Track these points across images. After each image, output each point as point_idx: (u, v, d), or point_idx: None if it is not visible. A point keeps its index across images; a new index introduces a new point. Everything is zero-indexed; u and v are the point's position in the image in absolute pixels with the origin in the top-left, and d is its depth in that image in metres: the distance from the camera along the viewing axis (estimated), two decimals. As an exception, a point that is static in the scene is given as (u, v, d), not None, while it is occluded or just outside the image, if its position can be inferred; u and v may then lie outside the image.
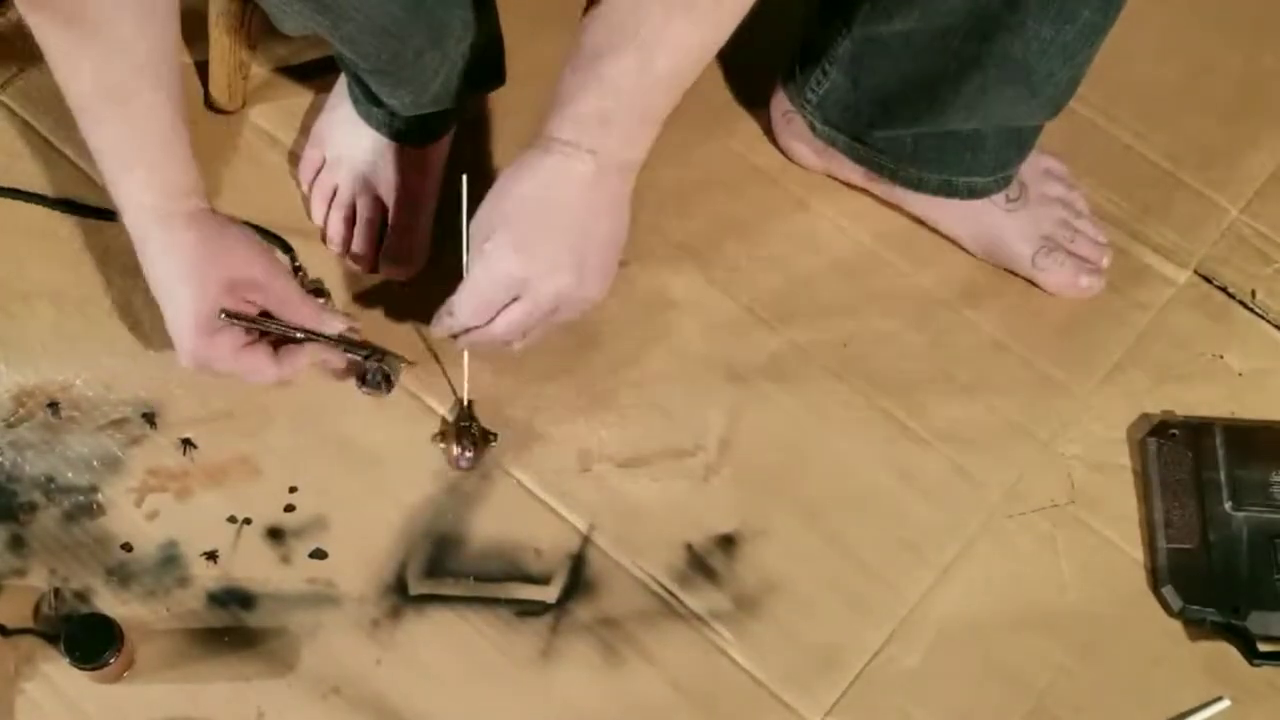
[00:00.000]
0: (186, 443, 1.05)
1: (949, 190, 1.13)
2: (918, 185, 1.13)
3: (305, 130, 1.18)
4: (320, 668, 0.98)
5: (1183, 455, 1.08)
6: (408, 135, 1.11)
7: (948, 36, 1.00)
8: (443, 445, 1.05)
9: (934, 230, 1.17)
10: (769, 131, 1.21)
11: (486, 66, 1.11)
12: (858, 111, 1.10)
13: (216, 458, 1.05)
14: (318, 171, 1.15)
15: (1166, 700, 1.00)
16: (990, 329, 1.14)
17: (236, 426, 1.06)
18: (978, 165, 1.10)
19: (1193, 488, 1.06)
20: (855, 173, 1.17)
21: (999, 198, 1.14)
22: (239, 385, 1.06)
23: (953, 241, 1.17)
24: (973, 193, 1.12)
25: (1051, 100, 1.04)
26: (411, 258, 1.12)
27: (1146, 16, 1.27)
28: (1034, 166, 1.16)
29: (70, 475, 1.04)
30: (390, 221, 1.12)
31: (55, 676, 0.97)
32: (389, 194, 1.12)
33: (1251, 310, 1.17)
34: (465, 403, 1.06)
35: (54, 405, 1.06)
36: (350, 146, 1.13)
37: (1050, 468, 1.08)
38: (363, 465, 1.05)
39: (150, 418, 1.06)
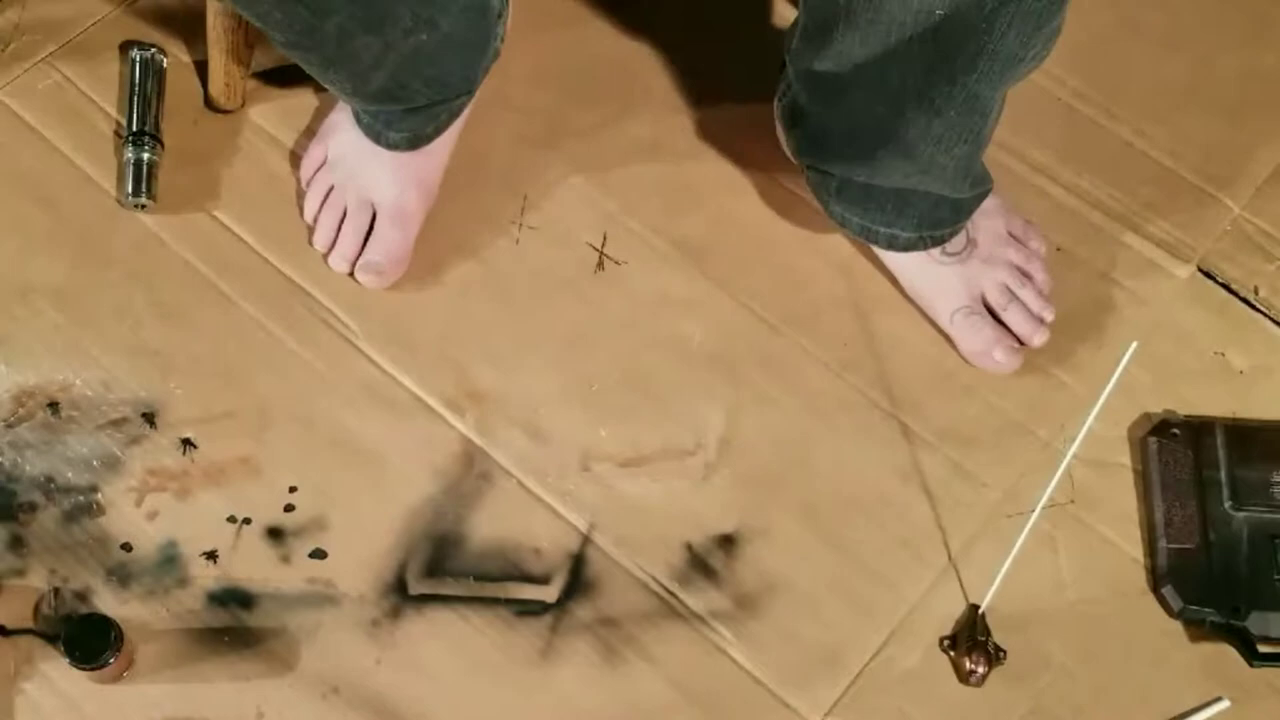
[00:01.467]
0: (186, 443, 1.05)
1: (869, 236, 1.10)
2: (842, 223, 1.11)
3: (307, 131, 1.18)
4: (320, 667, 0.98)
5: (1183, 454, 1.07)
6: (388, 139, 1.10)
7: (881, 88, 0.97)
8: (952, 654, 1.01)
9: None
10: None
11: (453, 71, 1.08)
12: (801, 137, 1.10)
13: (216, 458, 1.05)
14: (318, 168, 1.15)
15: (1166, 701, 1.00)
16: (991, 327, 1.14)
17: (236, 426, 1.06)
18: (901, 221, 1.07)
19: (1193, 487, 1.06)
20: None
21: (934, 250, 1.10)
22: (238, 384, 1.07)
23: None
24: (893, 245, 1.09)
25: (950, 184, 1.03)
26: (386, 268, 1.11)
27: (1147, 14, 1.27)
28: (996, 226, 1.13)
29: (70, 475, 1.04)
30: (374, 229, 1.12)
31: (55, 676, 0.97)
32: (381, 201, 1.12)
33: (1254, 307, 1.17)
34: (980, 613, 1.02)
35: (54, 405, 1.06)
36: (351, 147, 1.12)
37: (1050, 467, 1.08)
38: (363, 465, 1.05)
39: (150, 417, 1.06)
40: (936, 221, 1.08)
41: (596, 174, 1.19)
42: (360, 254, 1.12)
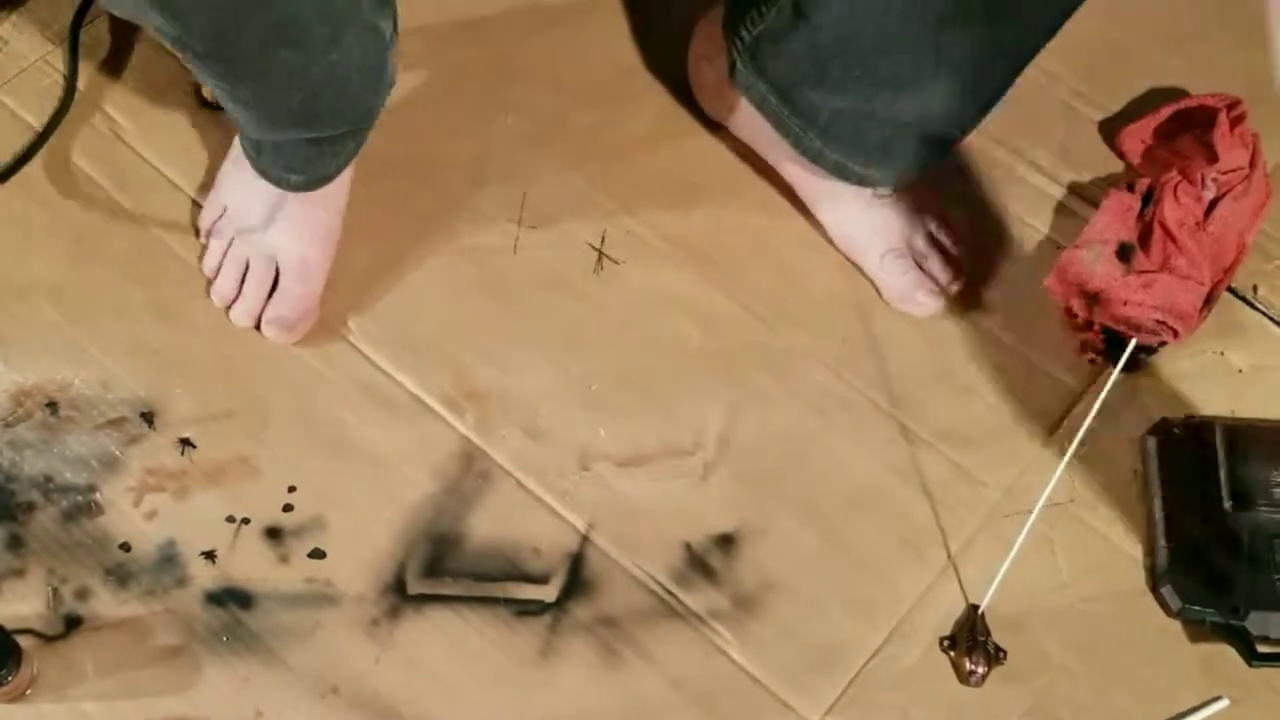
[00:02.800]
0: (185, 442, 1.05)
1: (842, 173, 1.09)
2: (816, 158, 1.09)
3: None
4: (319, 667, 0.98)
5: (1183, 454, 1.07)
6: (288, 182, 1.07)
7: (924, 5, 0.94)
8: (952, 654, 1.01)
9: (807, 210, 1.17)
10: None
11: (356, 98, 1.02)
12: (791, 61, 1.03)
13: (215, 457, 1.05)
14: (217, 218, 1.12)
15: (1165, 700, 1.00)
16: (990, 327, 1.14)
17: (235, 426, 1.06)
18: (887, 161, 1.07)
19: (1193, 487, 1.06)
20: (751, 127, 1.15)
21: (867, 191, 1.12)
22: (237, 384, 1.07)
23: (821, 227, 1.16)
24: (864, 182, 1.10)
25: (982, 112, 1.03)
26: (294, 323, 1.09)
27: (1147, 14, 1.27)
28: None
29: (68, 475, 1.04)
30: (279, 284, 1.09)
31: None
32: (285, 256, 1.09)
33: (1253, 306, 1.16)
34: (979, 613, 1.02)
35: (52, 405, 1.06)
36: (253, 198, 1.09)
37: (1049, 466, 1.08)
38: (362, 465, 1.05)
39: (149, 417, 1.06)
40: (919, 165, 1.08)
41: (596, 174, 1.19)
42: (264, 308, 1.09)
